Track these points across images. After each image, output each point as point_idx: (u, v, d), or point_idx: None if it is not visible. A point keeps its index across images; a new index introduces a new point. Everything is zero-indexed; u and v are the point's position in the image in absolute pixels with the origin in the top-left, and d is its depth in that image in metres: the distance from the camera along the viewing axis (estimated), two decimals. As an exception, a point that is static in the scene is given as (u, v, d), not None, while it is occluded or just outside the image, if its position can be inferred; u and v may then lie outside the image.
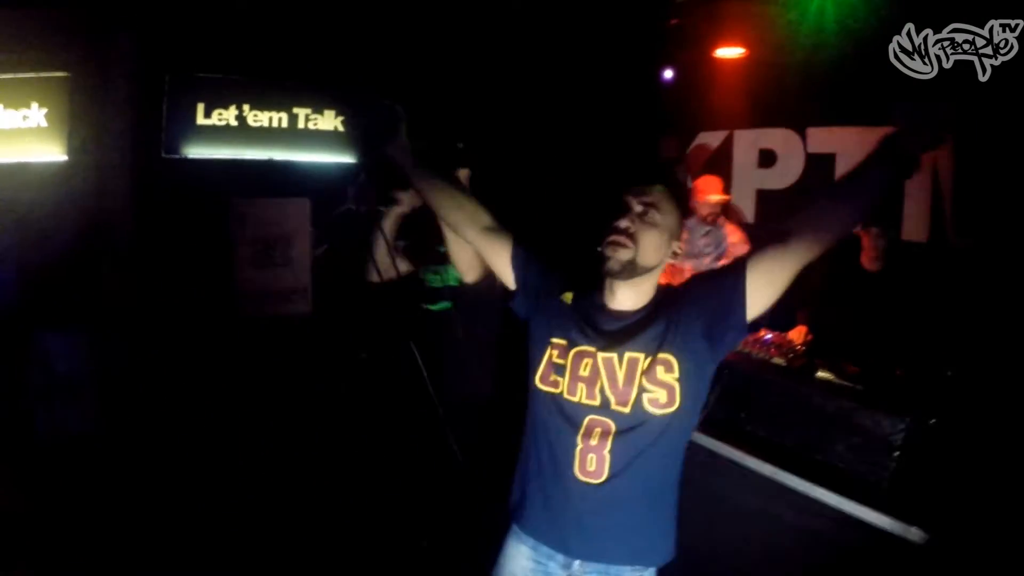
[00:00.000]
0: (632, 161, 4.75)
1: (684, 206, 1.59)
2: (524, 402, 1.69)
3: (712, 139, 4.99)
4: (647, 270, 1.55)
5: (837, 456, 2.46)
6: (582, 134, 4.73)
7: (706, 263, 4.14)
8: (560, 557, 1.59)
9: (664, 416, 1.49)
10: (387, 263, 2.71)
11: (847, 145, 4.20)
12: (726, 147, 4.88)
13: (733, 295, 1.47)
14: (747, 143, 4.74)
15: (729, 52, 4.38)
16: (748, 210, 4.74)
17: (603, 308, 1.61)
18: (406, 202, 2.66)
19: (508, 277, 1.72)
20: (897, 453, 2.34)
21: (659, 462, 1.54)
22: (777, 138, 4.55)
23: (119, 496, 3.30)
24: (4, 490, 2.87)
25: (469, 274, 2.55)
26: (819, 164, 4.33)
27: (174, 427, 3.68)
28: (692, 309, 1.52)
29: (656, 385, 1.49)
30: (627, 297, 1.58)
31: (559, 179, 4.63)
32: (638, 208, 1.54)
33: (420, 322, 2.91)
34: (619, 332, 1.55)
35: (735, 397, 2.76)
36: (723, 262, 4.02)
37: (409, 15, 4.18)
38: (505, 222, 1.76)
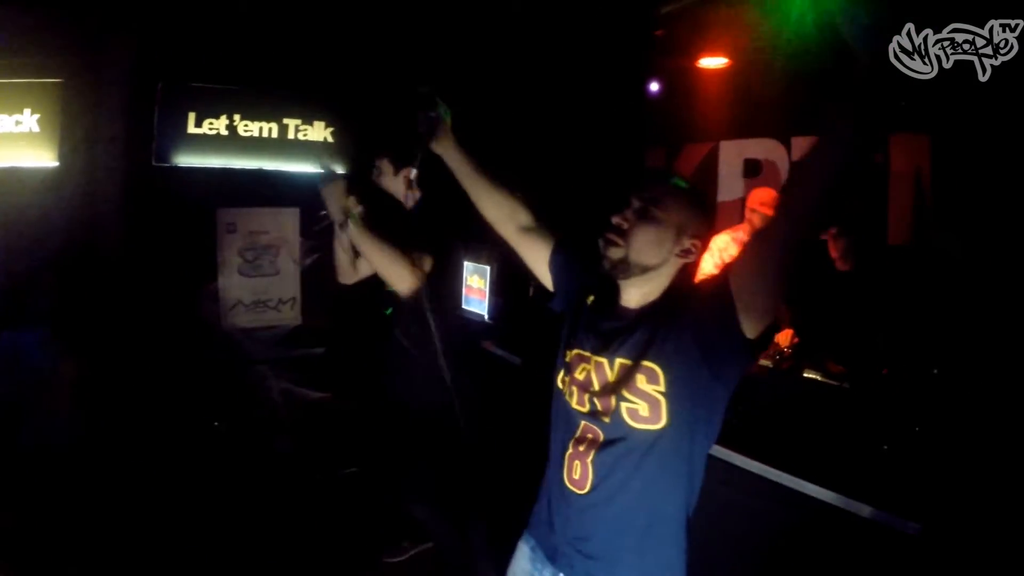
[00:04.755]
0: (620, 173, 4.78)
1: (699, 203, 1.52)
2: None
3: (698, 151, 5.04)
4: (646, 268, 1.43)
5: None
6: (569, 146, 4.78)
7: None
8: (550, 566, 1.49)
9: (647, 432, 1.35)
10: (345, 266, 2.68)
11: (831, 153, 4.24)
12: (712, 158, 4.94)
13: (724, 309, 1.29)
14: (732, 153, 4.79)
15: (712, 62, 4.44)
16: (734, 220, 4.76)
17: (612, 308, 1.50)
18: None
19: (546, 279, 1.67)
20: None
21: (644, 487, 1.38)
22: (762, 148, 4.59)
23: (97, 503, 3.26)
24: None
25: (399, 284, 2.41)
26: (804, 173, 4.36)
27: (154, 436, 3.65)
28: (687, 316, 1.35)
29: (636, 396, 1.35)
30: (632, 296, 1.48)
31: (546, 189, 4.66)
32: (636, 204, 1.44)
33: (379, 327, 2.83)
34: (613, 333, 1.45)
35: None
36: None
37: (398, 27, 4.25)
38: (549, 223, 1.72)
